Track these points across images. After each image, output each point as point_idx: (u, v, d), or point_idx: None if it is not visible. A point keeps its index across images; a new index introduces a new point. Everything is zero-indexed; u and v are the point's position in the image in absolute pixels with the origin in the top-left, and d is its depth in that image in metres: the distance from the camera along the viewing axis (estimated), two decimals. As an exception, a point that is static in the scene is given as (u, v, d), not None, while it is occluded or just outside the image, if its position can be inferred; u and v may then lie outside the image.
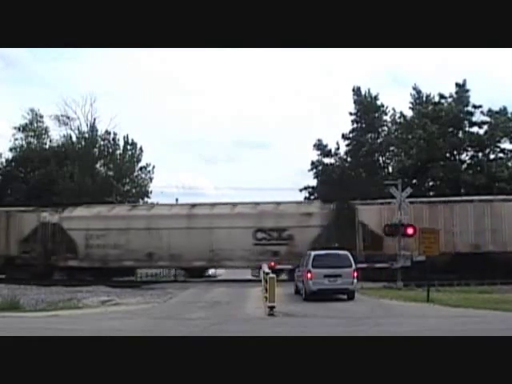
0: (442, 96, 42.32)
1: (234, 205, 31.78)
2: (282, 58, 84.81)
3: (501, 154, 40.71)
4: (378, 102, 46.93)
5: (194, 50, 64.39)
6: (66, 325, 14.01)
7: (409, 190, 26.62)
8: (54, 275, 33.23)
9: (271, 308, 15.85)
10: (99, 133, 49.36)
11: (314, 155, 47.18)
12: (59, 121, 48.30)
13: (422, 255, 20.68)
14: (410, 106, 45.76)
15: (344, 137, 46.92)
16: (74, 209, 33.44)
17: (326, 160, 47.16)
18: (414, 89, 46.49)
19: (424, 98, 45.49)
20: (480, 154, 40.63)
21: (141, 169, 50.95)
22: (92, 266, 31.17)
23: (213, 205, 32.28)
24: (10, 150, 50.14)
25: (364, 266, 26.61)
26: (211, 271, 38.25)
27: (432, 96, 44.86)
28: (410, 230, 24.58)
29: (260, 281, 21.47)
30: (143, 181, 51.26)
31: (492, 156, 40.75)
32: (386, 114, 46.96)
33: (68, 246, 32.01)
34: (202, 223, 30.17)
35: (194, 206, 32.20)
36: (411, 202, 27.38)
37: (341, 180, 44.12)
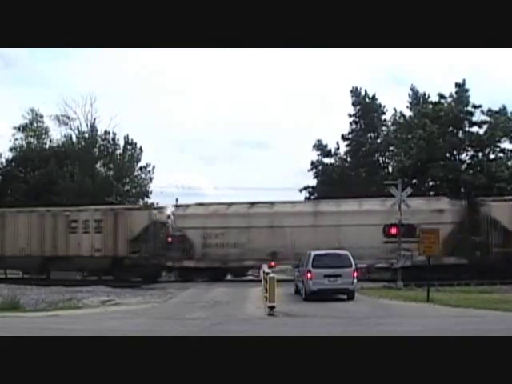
0: (441, 96, 42.30)
1: (361, 202, 30.95)
2: (282, 58, 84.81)
3: (501, 154, 40.69)
4: (378, 102, 46.99)
5: (194, 50, 64.40)
6: (66, 325, 14.02)
7: (409, 190, 26.63)
8: (161, 276, 32.36)
9: (271, 308, 15.85)
10: (99, 133, 49.40)
11: (314, 155, 47.28)
12: (59, 121, 48.34)
13: (422, 255, 20.69)
14: (408, 105, 45.88)
15: (344, 137, 46.98)
16: (187, 207, 32.13)
17: (326, 160, 47.21)
18: (412, 89, 46.62)
19: (421, 98, 45.56)
20: (480, 154, 40.61)
21: (141, 169, 50.90)
22: (210, 266, 30.00)
23: (339, 202, 31.29)
24: (10, 149, 50.09)
25: (364, 265, 26.63)
26: None
27: (427, 96, 45.00)
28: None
29: (260, 281, 21.48)
30: (143, 181, 51.19)
31: (492, 156, 40.73)
32: (385, 114, 47.08)
33: (183, 246, 30.86)
34: (328, 221, 29.17)
35: (319, 202, 31.36)
36: None
37: (341, 180, 44.14)
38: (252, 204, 31.83)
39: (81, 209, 33.07)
